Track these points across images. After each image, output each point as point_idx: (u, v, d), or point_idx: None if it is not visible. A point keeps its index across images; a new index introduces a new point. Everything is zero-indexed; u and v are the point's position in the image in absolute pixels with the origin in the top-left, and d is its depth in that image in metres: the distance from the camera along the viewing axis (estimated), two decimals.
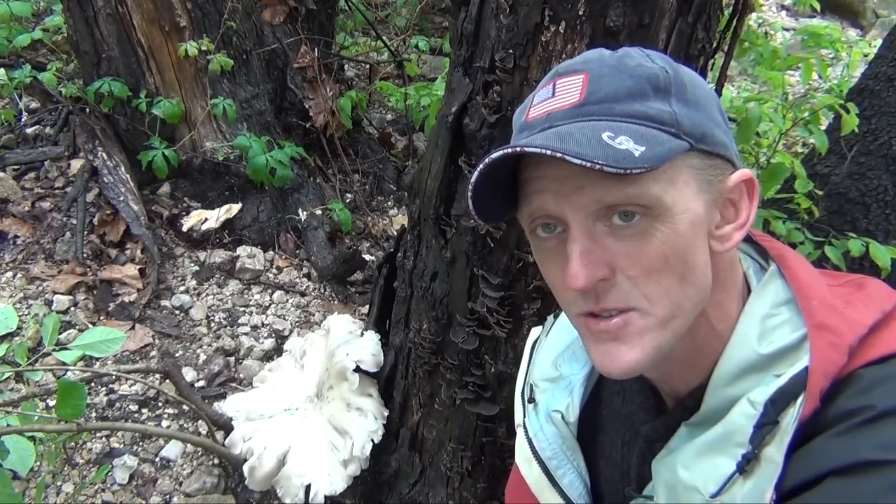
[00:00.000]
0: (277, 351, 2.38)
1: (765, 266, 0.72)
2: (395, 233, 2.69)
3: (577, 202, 0.61)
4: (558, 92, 0.65)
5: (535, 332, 1.00)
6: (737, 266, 0.70)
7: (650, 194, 0.60)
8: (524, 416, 0.90)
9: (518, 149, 0.59)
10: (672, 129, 0.61)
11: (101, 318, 2.36)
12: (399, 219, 3.15)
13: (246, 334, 2.44)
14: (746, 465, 0.59)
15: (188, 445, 2.02)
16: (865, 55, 3.45)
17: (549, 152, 0.57)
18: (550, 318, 0.98)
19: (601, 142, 0.58)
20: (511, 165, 0.65)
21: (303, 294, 2.65)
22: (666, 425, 0.73)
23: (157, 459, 2.01)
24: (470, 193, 0.65)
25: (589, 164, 0.55)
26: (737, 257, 0.71)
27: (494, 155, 0.61)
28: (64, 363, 1.48)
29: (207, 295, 2.56)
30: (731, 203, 0.66)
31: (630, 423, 0.82)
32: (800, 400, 0.58)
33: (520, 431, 0.90)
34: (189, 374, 2.26)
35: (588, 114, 0.62)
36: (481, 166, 0.62)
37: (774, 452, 0.58)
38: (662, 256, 0.61)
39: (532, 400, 0.90)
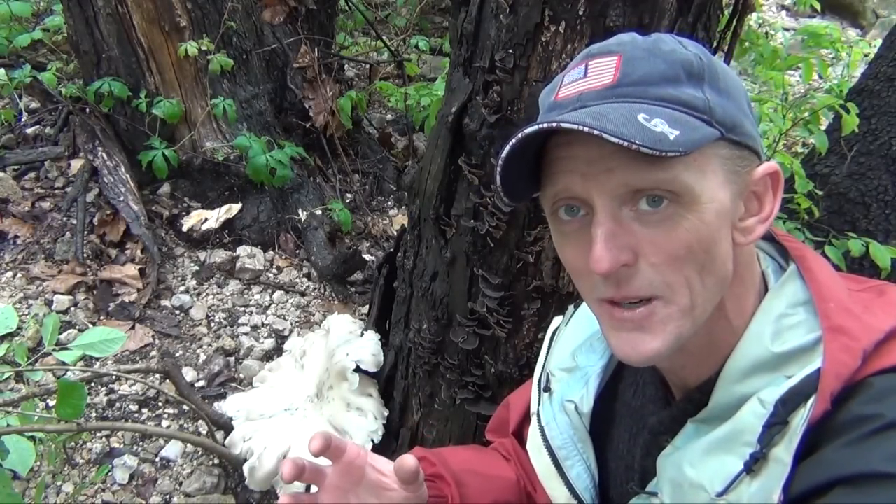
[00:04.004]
0: (277, 351, 2.38)
1: (784, 266, 0.72)
2: (395, 233, 2.69)
3: (606, 185, 0.60)
4: (591, 73, 0.64)
5: (557, 321, 0.99)
6: (754, 261, 0.70)
7: (680, 181, 0.59)
8: (539, 405, 0.90)
9: (554, 124, 0.58)
10: (705, 116, 0.60)
11: (101, 318, 2.36)
12: (399, 219, 3.15)
13: (246, 334, 2.44)
14: (754, 465, 0.59)
15: (188, 445, 2.02)
16: (865, 55, 3.45)
17: (586, 129, 0.56)
18: (571, 307, 0.97)
19: (637, 122, 0.57)
20: (538, 144, 0.64)
21: (303, 294, 2.65)
22: (671, 417, 0.73)
23: (157, 459, 2.01)
24: (499, 170, 0.64)
25: (626, 144, 0.55)
26: (754, 252, 0.70)
27: (528, 130, 0.60)
28: (64, 363, 1.48)
29: (207, 295, 2.56)
30: (756, 196, 0.65)
31: (639, 415, 0.82)
32: (811, 401, 0.58)
33: (533, 419, 0.90)
34: (189, 374, 2.25)
35: (622, 95, 0.61)
36: (513, 141, 0.61)
37: (783, 453, 0.58)
38: (686, 245, 0.60)
39: (547, 389, 0.90)
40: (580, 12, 1.09)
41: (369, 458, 0.82)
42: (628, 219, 0.61)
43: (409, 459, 0.77)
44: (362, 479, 0.81)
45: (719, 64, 0.65)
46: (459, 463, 0.97)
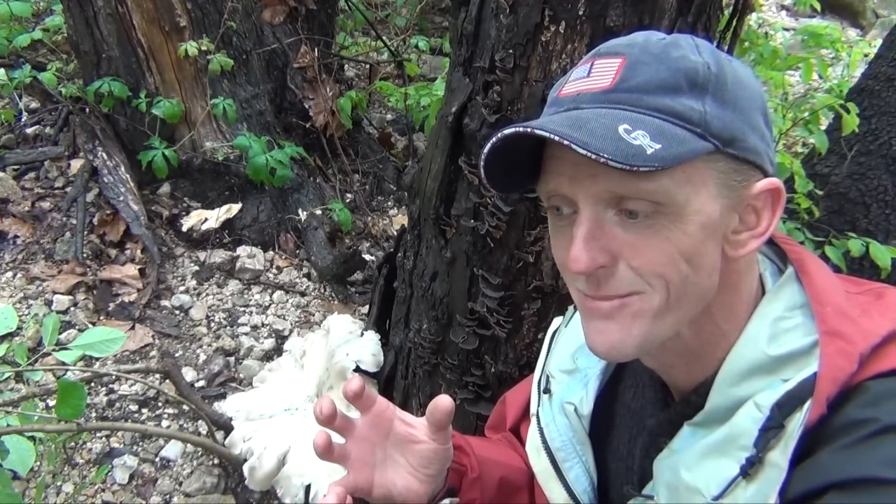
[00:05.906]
0: (277, 351, 2.38)
1: (782, 268, 0.71)
2: (395, 233, 2.69)
3: (590, 189, 0.61)
4: (594, 72, 0.64)
5: (557, 321, 1.00)
6: (754, 269, 0.69)
7: (663, 191, 0.59)
8: (538, 406, 0.90)
9: (529, 129, 0.59)
10: (698, 129, 0.59)
11: (101, 318, 2.36)
12: (399, 219, 3.15)
13: (246, 334, 2.44)
14: (750, 469, 0.59)
15: (188, 445, 2.02)
16: (865, 55, 3.45)
17: (556, 138, 0.57)
18: (571, 308, 0.97)
19: (615, 134, 0.57)
20: (537, 139, 0.65)
21: (303, 294, 2.65)
22: (669, 419, 0.73)
23: (157, 459, 2.01)
24: (482, 163, 0.65)
25: (594, 157, 0.55)
26: (755, 260, 0.70)
27: (507, 131, 0.61)
28: (64, 363, 1.48)
29: (207, 295, 2.56)
30: (754, 210, 0.64)
31: (638, 416, 0.82)
32: (807, 405, 0.58)
33: (533, 420, 0.90)
34: (189, 374, 2.25)
35: (615, 101, 0.61)
36: (494, 140, 0.62)
37: (779, 457, 0.58)
38: (667, 254, 0.60)
39: (547, 390, 0.90)
40: (580, 12, 1.09)
41: (398, 412, 0.81)
42: (611, 222, 0.62)
43: (444, 399, 0.75)
44: (390, 433, 0.80)
45: (732, 73, 0.62)
46: (474, 442, 0.98)
